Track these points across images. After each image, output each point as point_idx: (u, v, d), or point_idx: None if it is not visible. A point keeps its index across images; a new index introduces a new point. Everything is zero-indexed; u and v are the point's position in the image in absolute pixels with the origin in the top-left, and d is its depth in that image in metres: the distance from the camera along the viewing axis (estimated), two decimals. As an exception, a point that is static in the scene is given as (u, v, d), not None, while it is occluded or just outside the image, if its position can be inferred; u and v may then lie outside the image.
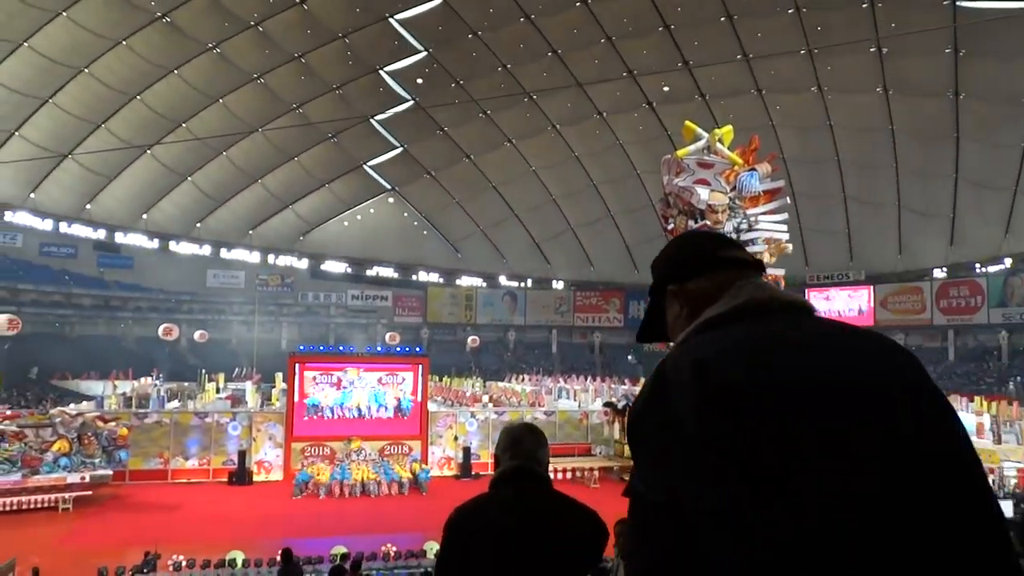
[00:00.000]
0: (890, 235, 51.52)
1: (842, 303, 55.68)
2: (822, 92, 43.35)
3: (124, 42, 40.80)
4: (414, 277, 63.94)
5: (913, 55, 38.32)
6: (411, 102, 48.42)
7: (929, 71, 39.10)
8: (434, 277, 64.33)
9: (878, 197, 48.83)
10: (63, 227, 52.27)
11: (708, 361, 1.10)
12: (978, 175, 43.57)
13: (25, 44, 39.35)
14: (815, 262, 54.81)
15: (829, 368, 1.09)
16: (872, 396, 1.06)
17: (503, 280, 65.06)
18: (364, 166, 55.72)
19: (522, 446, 2.65)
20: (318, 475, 25.86)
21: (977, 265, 49.61)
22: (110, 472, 23.83)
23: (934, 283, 51.58)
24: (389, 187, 58.66)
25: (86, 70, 42.10)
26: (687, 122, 24.96)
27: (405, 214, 61.18)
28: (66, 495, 22.30)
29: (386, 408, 29.82)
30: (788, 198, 25.65)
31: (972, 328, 51.04)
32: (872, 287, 54.34)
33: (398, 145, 53.47)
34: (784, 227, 24.26)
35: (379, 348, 37.43)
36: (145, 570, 15.20)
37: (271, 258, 60.36)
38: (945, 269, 51.12)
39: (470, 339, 58.60)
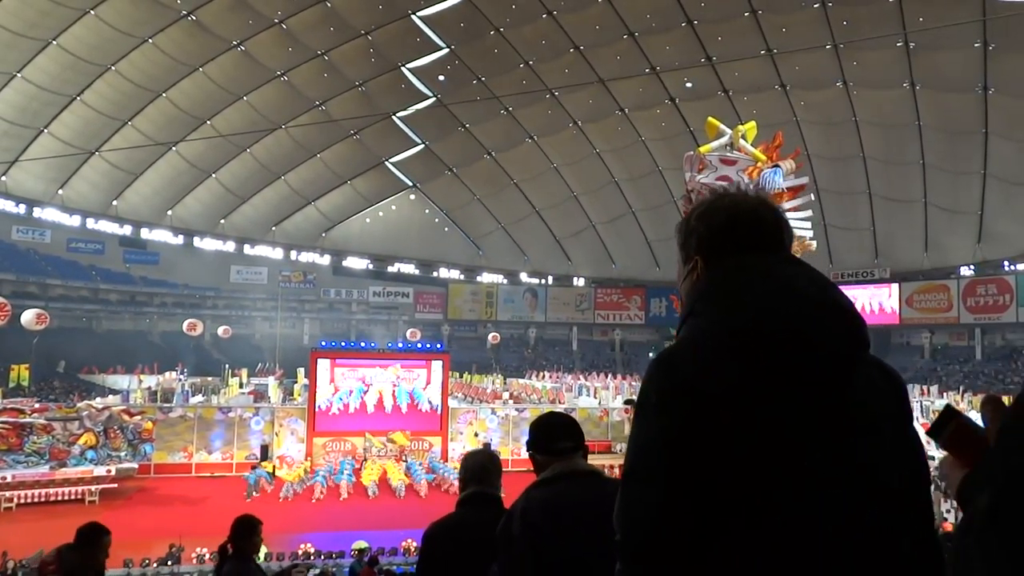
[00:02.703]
0: (916, 232, 50.73)
1: (866, 301, 54.96)
2: (847, 87, 42.74)
3: (150, 40, 41.29)
4: (435, 274, 64.12)
5: (941, 49, 37.62)
6: (433, 99, 48.49)
7: (957, 66, 38.39)
8: (455, 274, 64.46)
9: (904, 194, 48.09)
10: (90, 223, 53.06)
11: (528, 508, 2.31)
12: (1007, 171, 42.74)
13: (54, 42, 39.95)
14: (840, 260, 54.13)
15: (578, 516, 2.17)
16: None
17: (524, 277, 65.02)
18: (386, 163, 55.94)
19: (488, 474, 3.13)
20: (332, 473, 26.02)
21: (1006, 263, 48.72)
22: (135, 465, 24.19)
23: (961, 281, 50.73)
24: (411, 184, 58.85)
25: (113, 68, 42.66)
26: (710, 118, 24.74)
27: (427, 211, 61.36)
28: (92, 488, 22.68)
29: (406, 404, 29.94)
30: (812, 195, 25.47)
31: (1000, 327, 50.16)
32: (898, 285, 53.54)
33: (420, 142, 53.60)
34: (808, 224, 23.99)
35: (400, 344, 37.58)
36: (169, 562, 15.41)
37: (294, 254, 60.84)
38: (973, 267, 50.27)
39: (491, 336, 58.65)
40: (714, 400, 1.11)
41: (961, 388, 37.24)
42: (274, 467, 26.19)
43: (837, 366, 1.16)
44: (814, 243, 23.49)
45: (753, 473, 1.09)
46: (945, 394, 36.52)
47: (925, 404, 31.88)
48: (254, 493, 23.83)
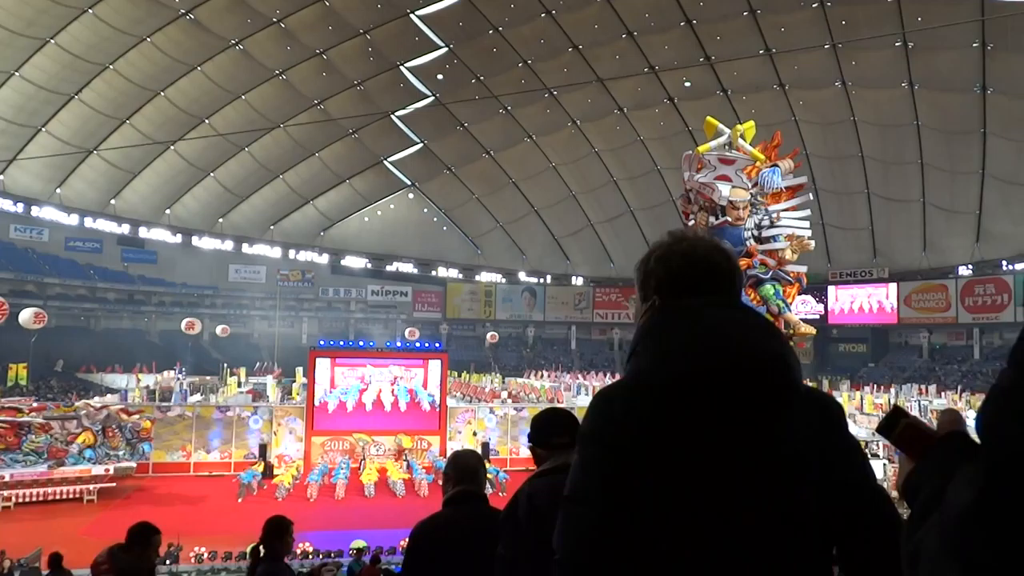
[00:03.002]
0: (915, 232, 50.81)
1: (864, 300, 55.04)
2: (846, 87, 42.80)
3: (148, 39, 41.23)
4: (433, 273, 64.12)
5: (939, 50, 37.69)
6: (431, 98, 48.47)
7: (956, 66, 38.45)
8: (453, 273, 64.46)
9: (903, 193, 48.16)
10: (88, 222, 52.96)
11: (533, 493, 2.37)
12: (1005, 171, 42.81)
13: (52, 41, 39.88)
14: (838, 259, 54.23)
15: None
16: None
17: (522, 276, 65.04)
18: (384, 162, 55.92)
19: (474, 474, 3.22)
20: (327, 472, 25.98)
21: (1004, 262, 48.80)
22: (134, 464, 24.15)
23: (959, 281, 50.80)
24: (409, 183, 58.83)
25: (111, 67, 42.60)
26: (708, 118, 24.72)
27: (425, 210, 61.35)
28: (91, 487, 22.65)
29: (406, 403, 29.92)
30: (811, 194, 25.47)
31: (998, 326, 50.22)
32: (896, 284, 53.61)
33: (418, 141, 53.59)
34: (806, 224, 23.96)
35: (399, 343, 37.57)
36: (168, 561, 15.39)
37: (292, 253, 60.82)
38: (971, 266, 50.34)
39: (489, 335, 58.68)
40: (640, 436, 1.25)
41: (959, 388, 37.33)
42: (266, 467, 26.10)
43: (754, 408, 1.26)
44: (812, 243, 23.49)
45: (674, 502, 1.23)
46: (943, 393, 36.60)
47: (924, 404, 31.94)
48: (247, 492, 23.78)
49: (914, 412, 29.94)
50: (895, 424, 1.12)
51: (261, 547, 4.64)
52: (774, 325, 1.47)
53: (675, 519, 1.23)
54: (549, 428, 2.73)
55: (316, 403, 28.92)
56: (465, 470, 3.20)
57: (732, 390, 1.25)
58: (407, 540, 3.18)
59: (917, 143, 44.76)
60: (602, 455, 1.27)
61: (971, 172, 44.44)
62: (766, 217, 23.05)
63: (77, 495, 22.45)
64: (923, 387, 38.39)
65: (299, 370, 37.58)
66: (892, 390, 38.39)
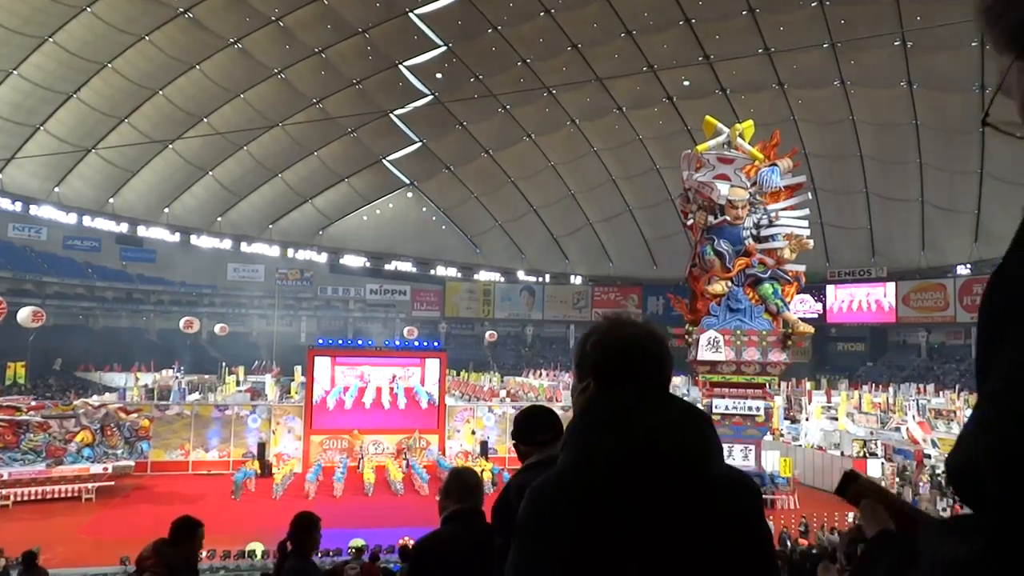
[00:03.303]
0: (913, 231, 50.85)
1: (863, 299, 55.08)
2: (845, 87, 42.83)
3: (146, 37, 41.19)
4: (432, 272, 64.12)
5: (938, 49, 37.69)
6: (430, 97, 48.46)
7: (955, 65, 38.44)
8: (452, 272, 64.46)
9: (901, 193, 48.20)
10: (86, 220, 52.93)
11: (522, 484, 1.97)
12: (1004, 170, 42.78)
13: (50, 40, 39.83)
14: (836, 258, 54.25)
15: None
16: None
17: (521, 275, 65.05)
18: (383, 161, 55.89)
19: (473, 492, 3.33)
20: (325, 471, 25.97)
21: (1002, 262, 48.80)
22: (132, 463, 24.16)
23: (958, 280, 50.83)
24: (408, 182, 58.81)
25: (109, 65, 42.55)
26: (707, 117, 24.75)
27: (423, 209, 61.34)
28: (89, 485, 22.65)
29: (403, 402, 29.93)
30: (809, 193, 25.51)
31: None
32: (895, 283, 53.66)
33: (417, 140, 53.57)
34: (805, 223, 24.01)
35: (397, 342, 37.57)
36: (166, 560, 15.39)
37: (290, 252, 60.81)
38: (970, 266, 50.37)
39: (488, 334, 58.70)
40: (569, 532, 1.36)
41: (958, 387, 37.36)
42: (262, 466, 26.09)
43: (674, 502, 1.37)
44: (811, 242, 23.55)
45: None
46: (942, 392, 36.66)
47: (922, 403, 32.01)
48: (244, 490, 23.75)
49: (912, 411, 30.01)
50: (847, 487, 1.31)
51: (288, 543, 4.67)
52: (698, 412, 1.52)
53: None
54: (532, 426, 2.89)
55: (315, 402, 28.93)
56: (466, 488, 3.32)
57: (652, 488, 1.36)
58: (411, 556, 3.36)
59: (916, 142, 44.80)
60: (536, 549, 1.40)
61: (970, 172, 44.48)
62: (765, 216, 23.09)
63: (75, 494, 22.45)
64: (921, 386, 38.47)
65: (297, 369, 37.58)
66: (890, 389, 38.47)
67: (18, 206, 50.12)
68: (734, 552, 1.39)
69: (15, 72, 41.31)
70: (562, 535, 1.36)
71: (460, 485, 3.33)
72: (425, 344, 37.21)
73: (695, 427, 1.45)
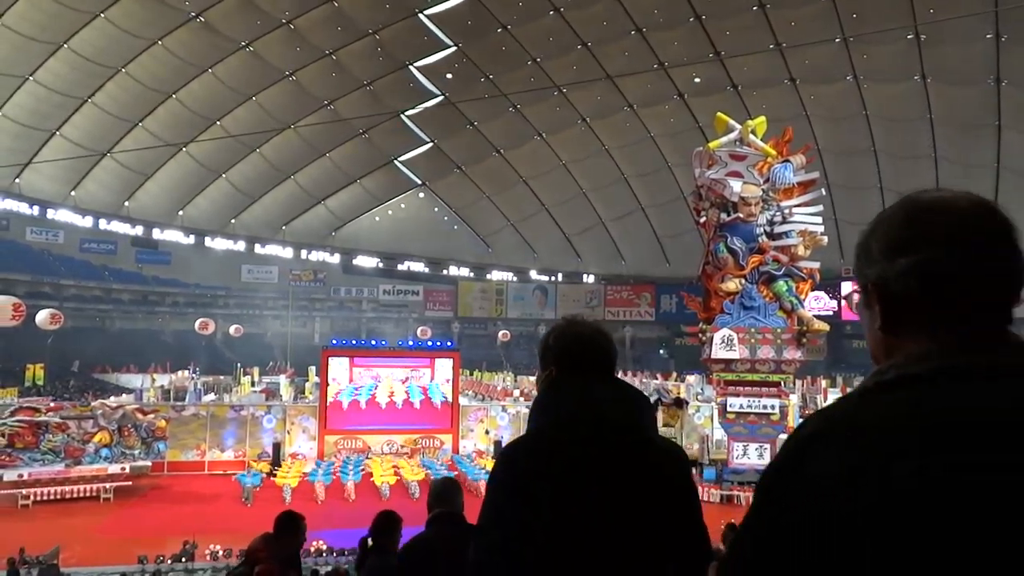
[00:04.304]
0: (928, 227, 50.37)
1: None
2: (858, 81, 42.51)
3: (159, 42, 41.52)
4: (445, 271, 64.25)
5: (952, 42, 37.36)
6: (440, 97, 48.54)
7: (969, 58, 38.11)
8: (464, 271, 64.56)
9: (916, 187, 44.78)
10: (102, 224, 53.44)
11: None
12: (1021, 164, 42.42)
13: (65, 45, 40.24)
14: (851, 254, 52.33)
15: None
16: None
17: (533, 274, 65.06)
18: (394, 161, 56.06)
19: (451, 498, 3.68)
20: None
21: (1020, 257, 48.30)
22: (149, 463, 24.38)
23: (974, 275, 50.36)
24: (419, 182, 58.94)
25: (123, 70, 42.93)
26: (719, 114, 24.67)
27: (435, 209, 61.46)
28: (107, 485, 22.86)
29: (419, 401, 30.02)
30: (823, 190, 25.32)
31: (1017, 321, 49.53)
32: (910, 280, 53.15)
33: (428, 140, 53.68)
34: (819, 219, 23.90)
35: (411, 342, 37.67)
36: (183, 559, 15.53)
37: (303, 253, 61.11)
38: (986, 261, 49.90)
39: (500, 333, 58.70)
40: (526, 484, 1.72)
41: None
42: (271, 469, 26.11)
43: (614, 459, 1.72)
44: (825, 238, 23.42)
45: (553, 530, 1.66)
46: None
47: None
48: (253, 492, 23.57)
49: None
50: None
51: (370, 540, 4.80)
52: (635, 392, 1.94)
53: (552, 546, 1.66)
54: (448, 495, 3.46)
55: (329, 402, 29.07)
56: (440, 494, 3.72)
57: (600, 448, 1.73)
58: (399, 556, 3.73)
59: (930, 137, 44.43)
60: (507, 497, 1.75)
61: (986, 165, 44.07)
62: (778, 213, 22.99)
63: (94, 493, 22.67)
64: (938, 383, 38.10)
65: (311, 369, 37.75)
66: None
67: (35, 210, 50.69)
68: (662, 493, 1.73)
69: (31, 78, 41.76)
70: (529, 483, 1.71)
71: (437, 493, 3.74)
72: (438, 344, 37.29)
73: (632, 402, 1.86)
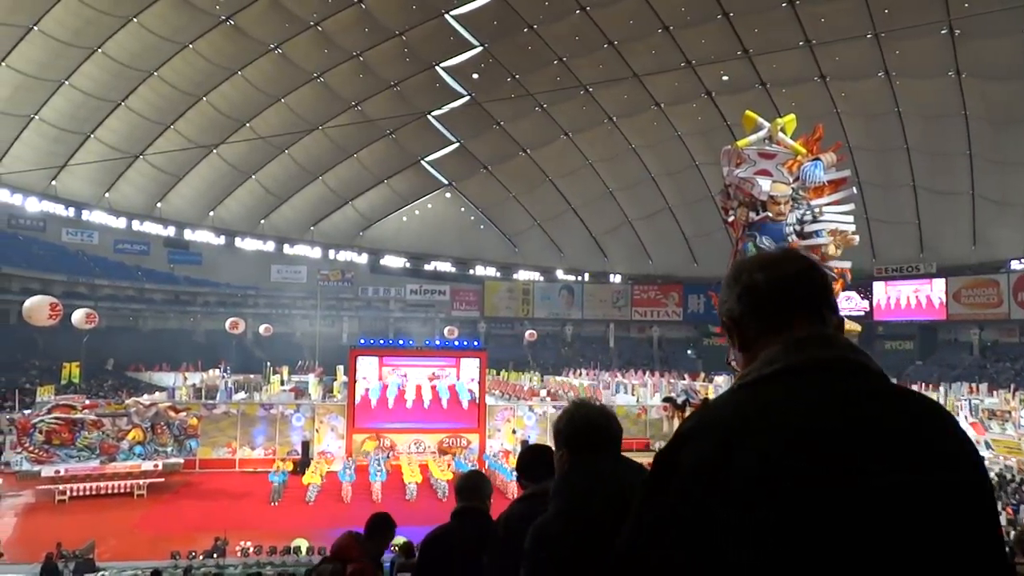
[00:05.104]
0: (964, 225, 49.36)
1: (911, 295, 53.73)
2: (890, 77, 41.79)
3: (191, 45, 42.15)
4: (471, 271, 64.38)
5: (987, 37, 36.51)
6: (467, 97, 48.67)
7: (1005, 53, 37.23)
8: (491, 271, 64.64)
9: (951, 186, 46.86)
10: (135, 225, 54.44)
11: (510, 517, 2.81)
12: (1060, 161, 41.42)
13: (99, 50, 41.01)
14: (883, 254, 52.97)
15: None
16: None
17: (560, 274, 64.93)
18: (421, 161, 56.32)
19: (476, 492, 3.73)
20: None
21: (1058, 256, 47.18)
22: (181, 460, 24.75)
23: (1012, 275, 49.22)
24: (446, 182, 59.15)
25: (155, 73, 43.66)
26: (747, 112, 24.31)
27: (462, 209, 61.62)
28: (141, 481, 23.27)
29: (447, 400, 30.13)
30: (854, 188, 24.84)
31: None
32: (944, 279, 52.17)
33: (455, 140, 53.84)
34: (850, 218, 23.41)
35: (438, 342, 37.81)
36: (215, 555, 15.74)
37: (332, 253, 61.64)
38: (1023, 260, 48.79)
39: (527, 333, 58.71)
40: (553, 553, 2.04)
41: (1012, 386, 36.20)
42: (302, 464, 26.38)
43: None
44: (856, 238, 22.95)
45: None
46: (995, 392, 35.52)
47: (974, 403, 31.06)
48: (282, 490, 23.83)
49: (964, 411, 29.18)
50: None
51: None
52: (638, 467, 2.15)
53: None
54: (534, 463, 3.27)
55: (357, 401, 29.28)
56: (465, 488, 3.77)
57: (613, 525, 1.71)
58: (420, 546, 3.80)
59: (965, 133, 43.51)
60: (542, 566, 2.07)
61: (1021, 163, 43.05)
62: (808, 212, 22.63)
63: (127, 489, 23.08)
64: (974, 385, 37.32)
65: (339, 368, 38.05)
66: (941, 388, 37.39)
67: (71, 211, 51.79)
68: None
69: (67, 83, 42.64)
70: (553, 558, 2.03)
71: (468, 486, 3.77)
72: (465, 343, 37.37)
73: (636, 474, 2.09)
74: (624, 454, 2.27)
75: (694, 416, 1.25)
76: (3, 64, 39.93)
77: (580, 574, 1.95)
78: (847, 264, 23.68)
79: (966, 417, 27.57)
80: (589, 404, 2.31)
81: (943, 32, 37.24)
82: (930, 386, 38.84)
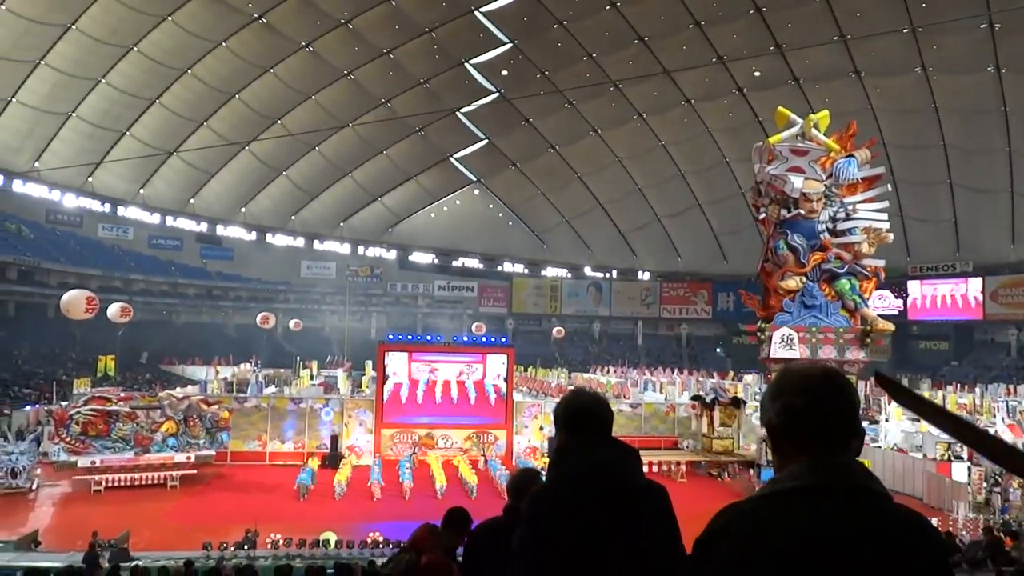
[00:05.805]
0: (1002, 223, 48.26)
1: (947, 294, 52.65)
2: (926, 73, 40.96)
3: (223, 43, 42.71)
4: (499, 268, 64.48)
5: (1030, 30, 35.69)
6: (496, 94, 48.69)
7: (1048, 47, 36.35)
8: (519, 268, 64.68)
9: (988, 183, 45.83)
10: (169, 221, 55.37)
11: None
12: (1103, 158, 40.31)
13: (134, 48, 41.73)
14: (918, 252, 52.02)
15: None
16: None
17: (588, 271, 64.76)
18: (450, 158, 56.48)
19: (524, 494, 3.76)
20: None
21: (1101, 255, 45.91)
22: (213, 452, 25.11)
23: (1052, 274, 48.07)
24: (475, 179, 59.26)
25: (189, 71, 44.32)
26: (780, 108, 24.08)
27: (490, 205, 61.70)
28: (174, 473, 23.67)
29: (473, 397, 30.22)
30: (889, 185, 24.48)
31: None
32: (981, 278, 51.04)
33: (483, 137, 53.91)
34: (884, 215, 23.09)
35: (466, 338, 37.94)
36: (246, 547, 15.96)
37: (361, 249, 62.13)
38: (1064, 259, 47.60)
39: (555, 330, 58.66)
40: (555, 523, 2.22)
41: (1050, 387, 35.33)
42: (332, 459, 26.61)
43: (613, 503, 2.20)
44: (890, 235, 22.66)
45: (566, 560, 2.18)
46: (1033, 393, 34.69)
47: (1012, 404, 30.39)
48: (309, 489, 23.77)
49: (1002, 413, 28.54)
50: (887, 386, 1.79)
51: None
52: (628, 448, 2.39)
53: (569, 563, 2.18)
54: (527, 488, 3.46)
55: (385, 396, 29.49)
56: (517, 488, 3.80)
57: (601, 493, 2.22)
58: (469, 536, 3.91)
59: (1004, 130, 42.52)
60: (534, 533, 2.27)
61: (1064, 159, 42.01)
62: (841, 209, 22.33)
63: (161, 481, 23.49)
64: (1011, 387, 36.51)
65: (368, 363, 38.34)
66: (977, 390, 36.64)
67: (107, 207, 52.81)
68: (649, 528, 2.21)
69: (103, 80, 43.44)
70: (547, 522, 2.23)
71: (521, 485, 3.77)
72: (493, 340, 37.44)
73: (625, 457, 2.34)
74: (622, 439, 2.45)
75: (724, 515, 1.57)
76: (42, 63, 40.80)
77: (572, 534, 2.17)
78: (881, 262, 23.31)
79: (1003, 419, 26.97)
80: (585, 392, 2.59)
81: (982, 27, 36.41)
82: (966, 387, 38.08)
